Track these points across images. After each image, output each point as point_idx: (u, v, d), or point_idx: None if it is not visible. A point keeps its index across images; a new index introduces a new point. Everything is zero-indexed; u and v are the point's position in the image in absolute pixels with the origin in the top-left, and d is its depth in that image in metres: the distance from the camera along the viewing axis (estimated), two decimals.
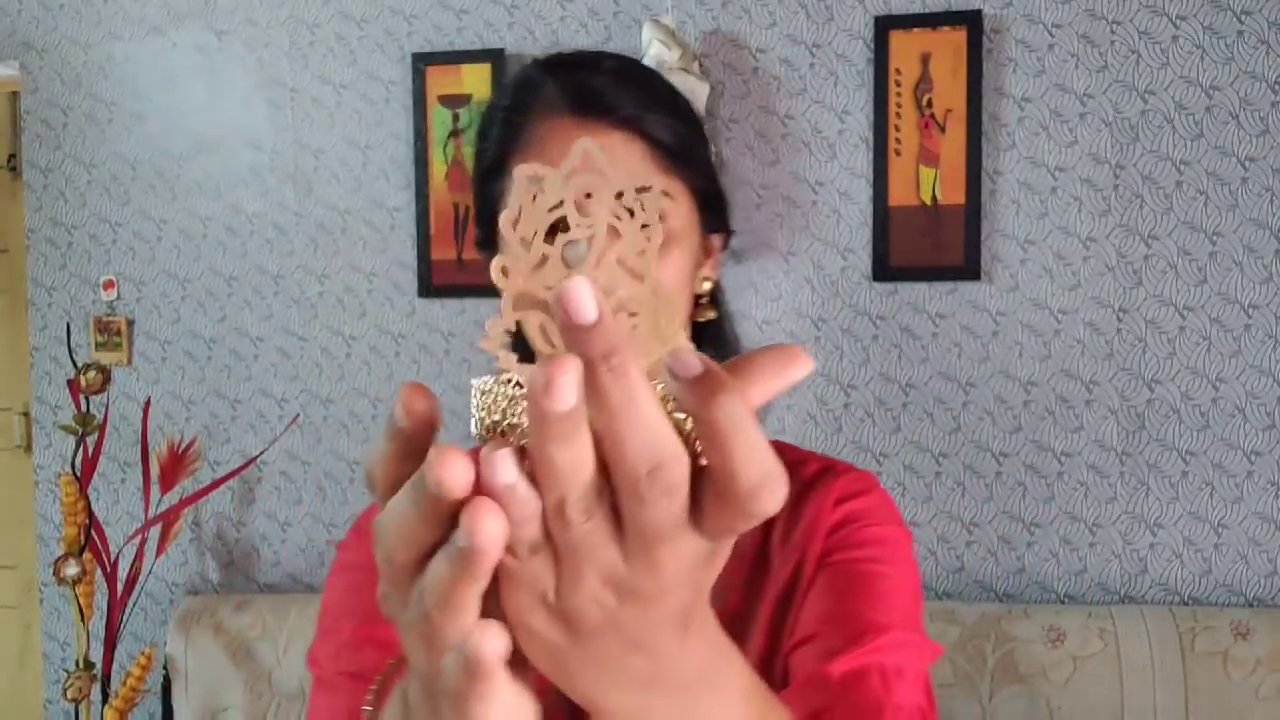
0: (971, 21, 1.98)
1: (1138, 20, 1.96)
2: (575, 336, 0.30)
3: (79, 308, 2.36)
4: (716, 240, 0.85)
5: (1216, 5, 1.94)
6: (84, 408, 2.14)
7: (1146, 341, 1.98)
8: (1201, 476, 1.97)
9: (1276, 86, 1.93)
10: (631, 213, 0.35)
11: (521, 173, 0.35)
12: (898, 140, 2.01)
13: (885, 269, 2.03)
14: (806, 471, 0.82)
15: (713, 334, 0.87)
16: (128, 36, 2.33)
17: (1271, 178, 1.93)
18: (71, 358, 2.20)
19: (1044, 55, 1.99)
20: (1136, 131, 1.97)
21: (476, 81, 2.17)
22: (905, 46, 2.01)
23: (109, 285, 2.35)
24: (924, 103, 2.00)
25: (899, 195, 2.02)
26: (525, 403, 0.31)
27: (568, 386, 0.29)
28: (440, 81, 2.18)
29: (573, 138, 0.73)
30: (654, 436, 0.30)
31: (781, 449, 0.83)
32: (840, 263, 2.06)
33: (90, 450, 2.16)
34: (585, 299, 0.30)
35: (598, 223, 0.35)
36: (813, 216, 2.07)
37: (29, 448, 2.51)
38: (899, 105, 2.01)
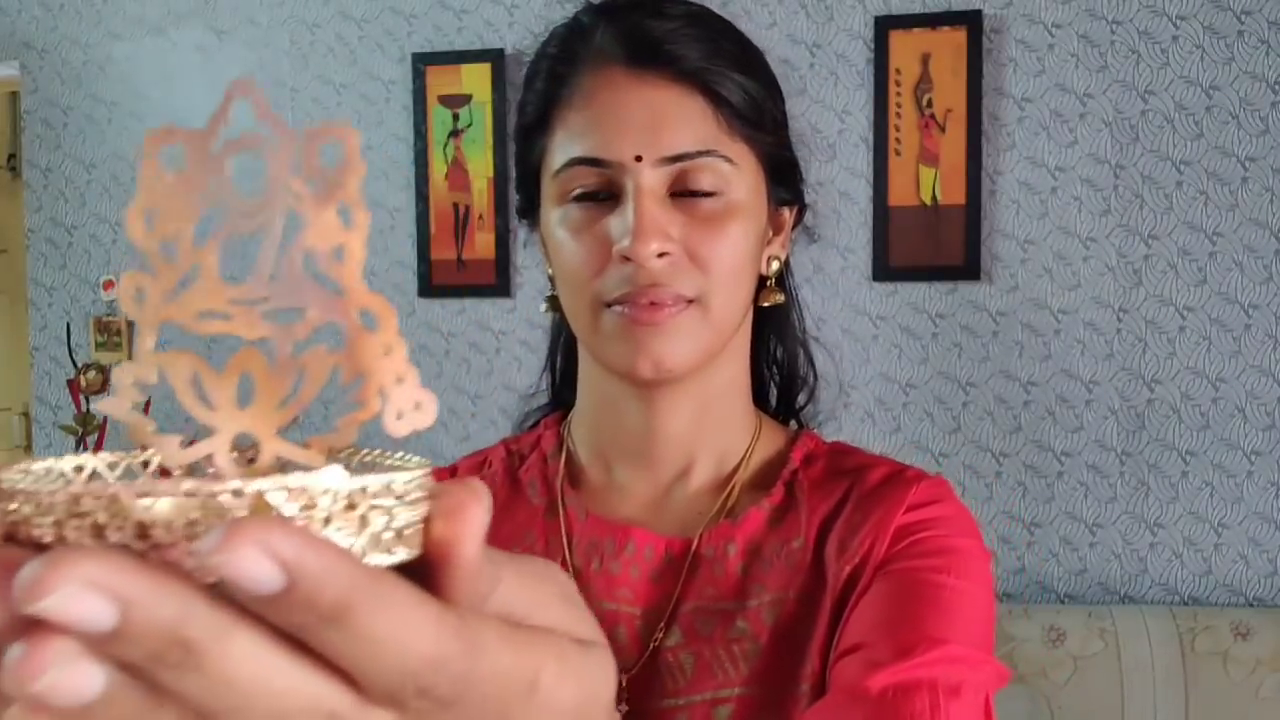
0: (971, 21, 1.98)
1: (1138, 20, 1.96)
2: (269, 609, 0.21)
3: (79, 308, 2.36)
4: (788, 214, 0.77)
5: (1216, 5, 1.94)
6: (84, 408, 2.14)
7: (1146, 341, 1.98)
8: (1201, 476, 1.97)
9: (1276, 86, 1.93)
10: (321, 186, 0.24)
11: (151, 142, 0.25)
12: (898, 140, 2.01)
13: (885, 269, 2.03)
14: (873, 476, 0.72)
15: (778, 321, 0.80)
16: (128, 36, 2.34)
17: (1271, 178, 1.93)
18: (71, 358, 2.20)
19: (1044, 55, 1.99)
20: (1136, 131, 1.97)
21: (476, 81, 2.17)
22: (905, 46, 2.01)
23: (109, 285, 2.35)
24: (924, 103, 2.00)
25: (899, 195, 2.02)
26: (149, 501, 0.21)
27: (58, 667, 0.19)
28: (440, 81, 2.18)
29: (623, 92, 0.66)
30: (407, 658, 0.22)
31: (847, 451, 0.76)
32: (840, 263, 2.06)
33: (90, 450, 2.17)
34: (255, 560, 0.20)
35: (269, 209, 0.25)
36: (813, 216, 2.07)
37: (29, 448, 2.51)
38: (899, 105, 2.01)
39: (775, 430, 0.78)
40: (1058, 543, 2.01)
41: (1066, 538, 2.01)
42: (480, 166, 2.18)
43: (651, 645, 0.68)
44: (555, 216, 0.69)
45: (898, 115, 2.01)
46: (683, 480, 0.73)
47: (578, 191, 0.67)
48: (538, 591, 0.27)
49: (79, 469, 0.26)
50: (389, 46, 2.23)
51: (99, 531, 0.21)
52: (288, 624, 0.21)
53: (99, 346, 2.34)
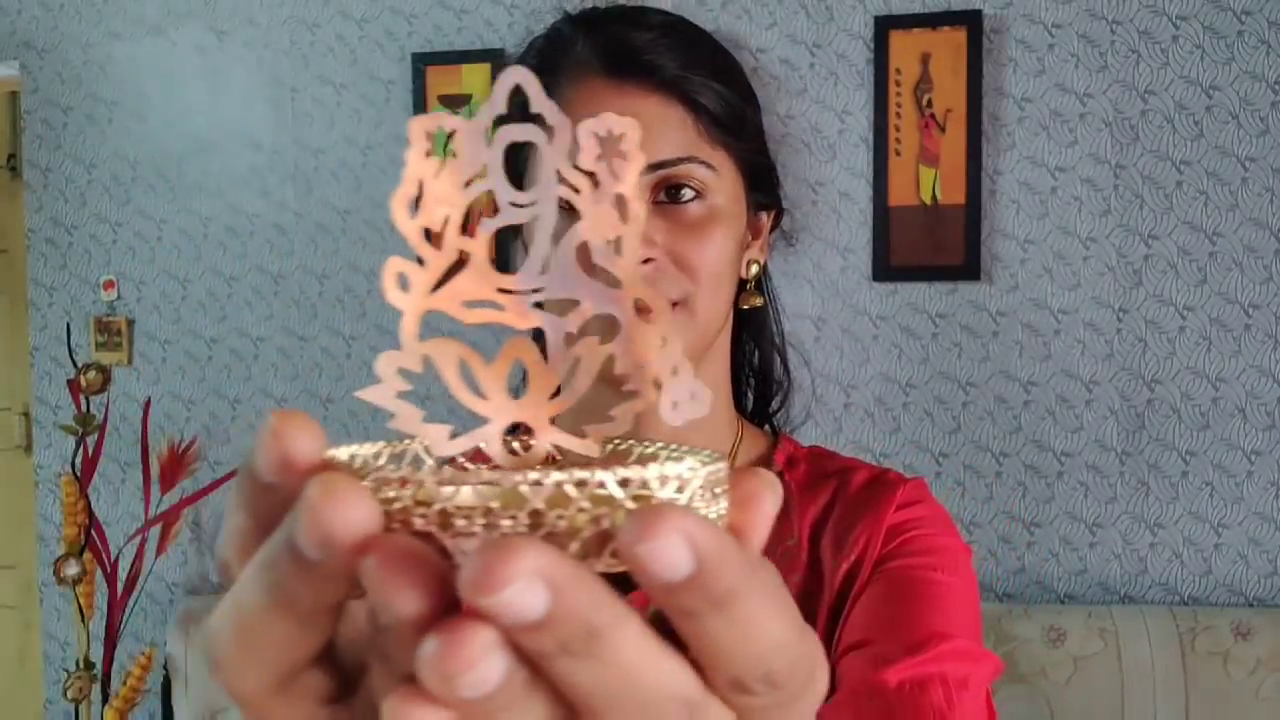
0: (971, 21, 1.98)
1: (1138, 20, 1.96)
2: (666, 595, 0.21)
3: (79, 308, 2.36)
4: (766, 219, 0.78)
5: (1216, 5, 1.94)
6: (84, 408, 2.14)
7: (1146, 341, 1.98)
8: (1201, 476, 1.97)
9: (1276, 86, 1.93)
10: (596, 179, 0.25)
11: (418, 127, 0.24)
12: (898, 140, 2.01)
13: (885, 269, 2.03)
14: (857, 478, 0.75)
15: (757, 323, 0.81)
16: (128, 36, 2.33)
17: (1271, 178, 1.93)
18: (71, 358, 2.20)
19: (1044, 55, 1.99)
20: (1136, 131, 1.97)
21: (476, 81, 2.17)
22: (905, 46, 2.01)
23: (109, 285, 2.35)
24: (924, 103, 2.00)
25: (899, 195, 2.02)
26: (448, 489, 0.21)
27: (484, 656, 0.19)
28: (440, 81, 2.18)
29: (604, 102, 0.67)
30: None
31: (825, 454, 0.78)
32: (840, 263, 2.06)
33: (90, 450, 2.16)
34: (676, 547, 0.20)
35: (543, 198, 0.25)
36: (813, 216, 2.07)
37: (29, 448, 2.51)
38: (899, 105, 2.01)
39: (755, 434, 0.80)
40: (1058, 543, 2.01)
41: (1066, 538, 2.01)
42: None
43: None
44: None
45: (898, 115, 2.01)
46: None
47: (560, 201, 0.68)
48: None
49: (351, 458, 0.25)
50: (389, 46, 2.23)
51: (493, 520, 0.21)
52: (677, 609, 0.21)
53: (99, 346, 2.34)
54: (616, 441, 0.28)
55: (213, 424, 2.32)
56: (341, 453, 0.24)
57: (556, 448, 0.26)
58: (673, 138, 0.67)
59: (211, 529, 2.33)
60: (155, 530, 2.20)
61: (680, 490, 0.22)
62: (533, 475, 0.21)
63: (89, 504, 2.12)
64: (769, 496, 0.24)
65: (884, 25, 2.01)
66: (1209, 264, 1.96)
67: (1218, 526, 1.97)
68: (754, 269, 0.76)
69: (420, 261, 0.25)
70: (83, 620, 2.13)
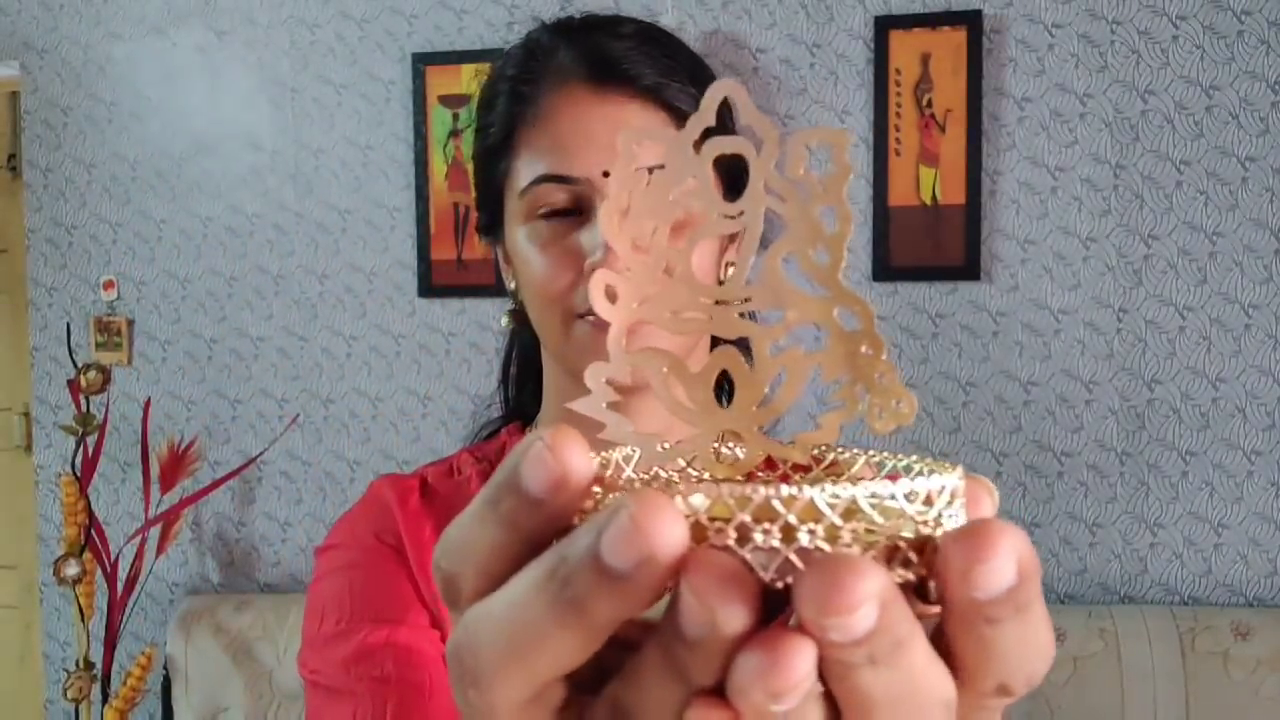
0: (971, 21, 1.98)
1: (1138, 20, 1.96)
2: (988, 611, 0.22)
3: (79, 308, 2.36)
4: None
5: (1216, 5, 1.94)
6: (84, 408, 2.14)
7: (1146, 341, 1.98)
8: (1201, 476, 1.97)
9: (1276, 86, 1.93)
10: (804, 188, 0.24)
11: (627, 141, 0.25)
12: (898, 140, 2.01)
13: (885, 269, 2.03)
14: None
15: None
16: (128, 36, 2.33)
17: (1271, 178, 1.93)
18: (71, 358, 2.20)
19: (1044, 55, 1.99)
20: (1136, 131, 1.97)
21: (477, 82, 2.17)
22: (905, 46, 2.01)
23: (109, 285, 2.35)
24: (924, 103, 2.00)
25: (899, 195, 2.02)
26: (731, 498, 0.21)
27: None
28: (440, 81, 2.18)
29: (587, 109, 0.68)
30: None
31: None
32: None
33: (90, 450, 2.16)
34: (1009, 564, 0.21)
35: (751, 209, 0.25)
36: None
37: (29, 448, 2.51)
38: (899, 105, 2.01)
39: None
40: (1058, 543, 2.01)
41: (1066, 538, 2.01)
42: None
43: None
44: (522, 233, 0.71)
45: (898, 115, 2.01)
46: None
47: (544, 209, 0.69)
48: None
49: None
50: (389, 46, 2.23)
51: (790, 533, 0.21)
52: (983, 619, 0.22)
53: (99, 346, 2.34)
54: (821, 449, 0.28)
55: (213, 424, 2.32)
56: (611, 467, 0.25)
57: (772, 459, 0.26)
58: (655, 144, 0.67)
59: (213, 529, 2.33)
60: (155, 530, 2.20)
61: (951, 501, 0.23)
62: (832, 489, 0.21)
63: (89, 504, 2.12)
64: (988, 501, 0.25)
65: (884, 25, 2.01)
66: (1209, 264, 1.96)
67: (1218, 526, 1.97)
68: (730, 271, 0.77)
69: (628, 272, 0.25)
70: (83, 620, 2.13)
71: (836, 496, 0.21)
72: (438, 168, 2.19)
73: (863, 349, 0.25)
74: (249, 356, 2.31)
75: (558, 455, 0.22)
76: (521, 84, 0.71)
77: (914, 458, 0.26)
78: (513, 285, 0.76)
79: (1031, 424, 2.02)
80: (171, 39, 2.32)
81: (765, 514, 0.21)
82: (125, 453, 2.33)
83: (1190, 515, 1.98)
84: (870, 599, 0.20)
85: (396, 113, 2.22)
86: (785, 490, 0.21)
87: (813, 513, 0.21)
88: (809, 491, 0.21)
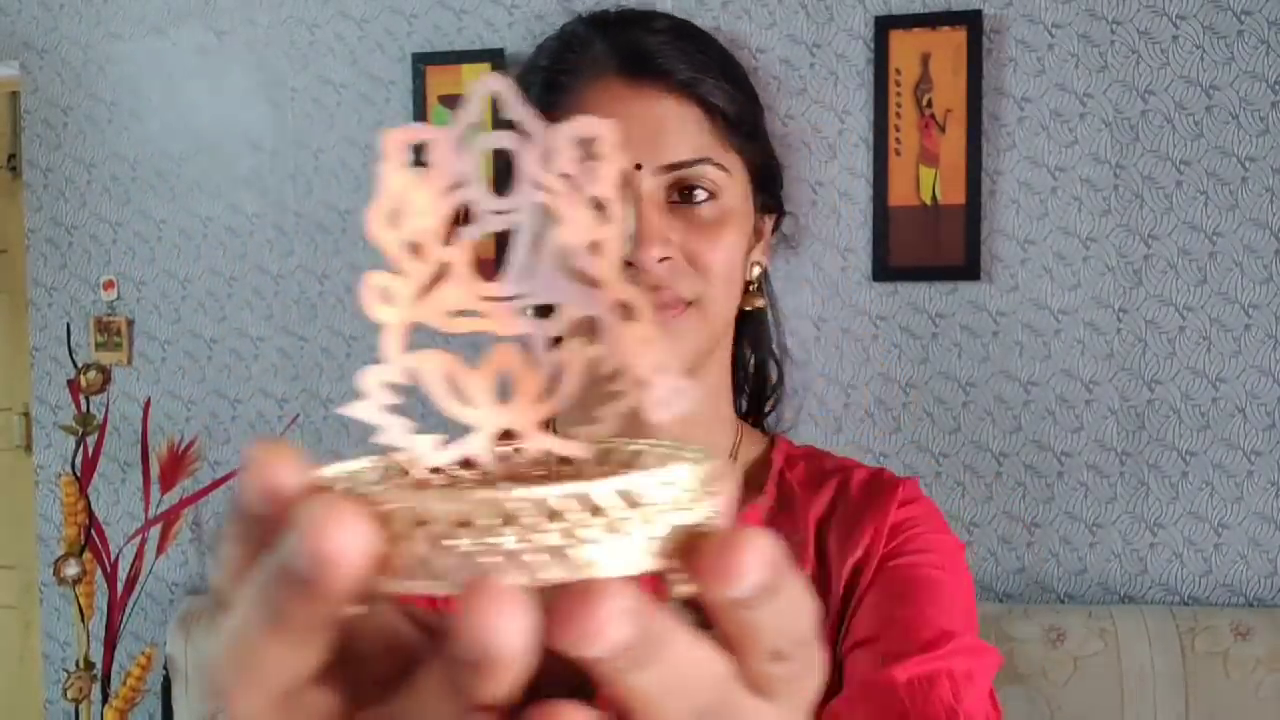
0: (971, 21, 1.98)
1: (1138, 20, 1.96)
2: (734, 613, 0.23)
3: (79, 308, 2.36)
4: (768, 222, 0.79)
5: (1216, 5, 1.94)
6: (84, 408, 2.14)
7: (1146, 341, 1.98)
8: (1201, 476, 1.97)
9: (1276, 86, 1.93)
10: (575, 181, 0.24)
11: (394, 140, 0.24)
12: (898, 140, 2.01)
13: (885, 269, 2.03)
14: (857, 476, 0.76)
15: (753, 326, 0.82)
16: (128, 36, 2.33)
17: (1271, 178, 1.93)
18: (71, 358, 2.20)
19: (1044, 55, 1.99)
20: (1136, 131, 1.97)
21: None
22: (905, 46, 2.01)
23: (109, 285, 2.35)
24: (924, 103, 2.00)
25: (899, 195, 2.02)
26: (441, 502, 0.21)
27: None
28: (440, 81, 2.18)
29: (623, 103, 0.68)
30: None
31: (820, 454, 0.80)
32: (840, 263, 2.06)
33: (90, 450, 2.16)
34: (760, 565, 0.22)
35: (521, 204, 0.25)
36: (813, 216, 2.07)
37: (29, 448, 2.51)
38: (899, 105, 2.01)
39: (753, 434, 0.82)
40: (1058, 543, 2.01)
41: (1066, 538, 2.01)
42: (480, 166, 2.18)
43: None
44: None
45: (898, 115, 2.01)
46: None
47: None
48: None
49: (351, 476, 0.26)
50: (389, 46, 2.23)
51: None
52: (744, 606, 0.23)
53: (99, 346, 2.34)
54: (606, 442, 0.28)
55: (213, 424, 2.32)
56: (332, 473, 0.25)
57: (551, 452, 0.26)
58: (688, 139, 0.68)
59: (212, 529, 2.33)
60: (155, 530, 2.20)
61: (702, 492, 0.23)
62: (539, 491, 0.21)
63: (89, 504, 2.12)
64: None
65: (884, 25, 2.01)
66: (1209, 264, 1.96)
67: (1218, 526, 1.97)
68: (756, 270, 0.78)
69: (401, 274, 0.25)
70: (83, 620, 2.13)
71: (544, 498, 0.21)
72: None
73: (640, 340, 0.25)
74: (249, 356, 2.31)
75: (262, 469, 0.22)
76: (556, 74, 0.72)
77: (694, 450, 0.26)
78: None
79: (1031, 424, 2.02)
80: (171, 39, 2.32)
81: (479, 514, 0.21)
82: (125, 453, 2.33)
83: (1190, 515, 1.98)
84: (614, 618, 0.20)
85: (396, 113, 2.22)
86: (512, 491, 0.21)
87: (547, 511, 0.21)
88: (540, 490, 0.21)
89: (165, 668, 2.14)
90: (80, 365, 2.13)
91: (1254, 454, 1.95)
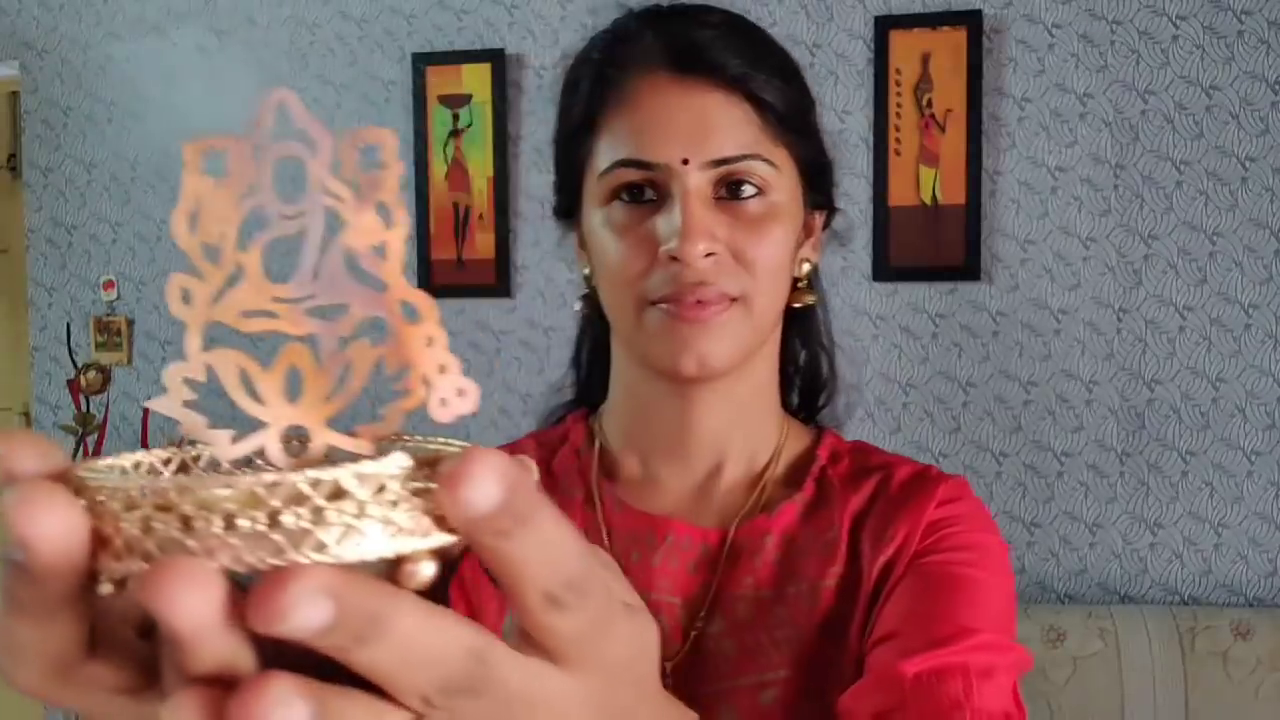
0: (971, 21, 1.98)
1: (1138, 20, 1.96)
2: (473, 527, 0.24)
3: (79, 308, 2.36)
4: (818, 218, 0.79)
5: (1216, 5, 1.94)
6: (84, 408, 2.14)
7: (1146, 341, 1.98)
8: (1201, 476, 1.97)
9: (1276, 86, 1.93)
10: (358, 188, 0.26)
11: (192, 152, 0.25)
12: (898, 140, 2.01)
13: (885, 269, 2.03)
14: (899, 473, 0.75)
15: (803, 323, 0.82)
16: (128, 36, 2.34)
17: (1271, 178, 1.93)
18: (71, 358, 2.20)
19: (1044, 55, 1.99)
20: (1136, 131, 1.97)
21: (476, 81, 2.17)
22: (905, 46, 2.01)
23: (109, 285, 2.35)
24: (924, 103, 2.00)
25: (899, 195, 2.02)
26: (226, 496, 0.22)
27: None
28: (440, 81, 2.18)
29: (671, 96, 0.68)
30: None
31: (868, 449, 0.79)
32: (840, 263, 2.06)
33: (90, 450, 2.16)
34: (491, 480, 0.23)
35: (309, 210, 0.26)
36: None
37: None
38: (899, 105, 2.01)
39: (800, 429, 0.81)
40: (1058, 543, 2.02)
41: (1066, 538, 2.01)
42: (480, 166, 2.18)
43: (693, 633, 0.70)
44: (599, 217, 0.71)
45: (898, 115, 2.01)
46: (716, 476, 0.75)
47: (624, 193, 0.69)
48: None
49: (137, 465, 0.28)
50: (389, 46, 2.23)
51: (187, 524, 0.23)
52: (491, 532, 0.24)
53: (99, 346, 2.34)
54: (396, 437, 0.29)
55: (212, 425, 2.31)
56: (104, 463, 0.26)
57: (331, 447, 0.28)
58: (736, 135, 0.68)
59: None
60: None
61: (381, 491, 0.24)
62: (246, 479, 0.22)
63: None
64: (480, 472, 0.25)
65: (884, 25, 2.01)
66: (1209, 264, 1.96)
67: (1218, 526, 1.97)
68: (806, 267, 0.77)
69: (201, 275, 0.26)
70: None
71: (276, 484, 0.22)
72: (438, 168, 2.19)
73: (426, 340, 0.26)
74: None
75: (1, 460, 0.23)
76: (606, 67, 0.71)
77: (454, 442, 0.27)
78: (586, 270, 0.76)
79: (1031, 424, 2.02)
80: (171, 39, 2.32)
81: (184, 500, 0.22)
82: None
83: (1190, 515, 1.98)
84: (302, 598, 0.21)
85: (396, 113, 2.22)
86: (222, 479, 0.22)
87: (253, 500, 0.22)
88: (248, 479, 0.22)
89: None
90: (80, 365, 2.14)
91: (1254, 454, 1.95)
